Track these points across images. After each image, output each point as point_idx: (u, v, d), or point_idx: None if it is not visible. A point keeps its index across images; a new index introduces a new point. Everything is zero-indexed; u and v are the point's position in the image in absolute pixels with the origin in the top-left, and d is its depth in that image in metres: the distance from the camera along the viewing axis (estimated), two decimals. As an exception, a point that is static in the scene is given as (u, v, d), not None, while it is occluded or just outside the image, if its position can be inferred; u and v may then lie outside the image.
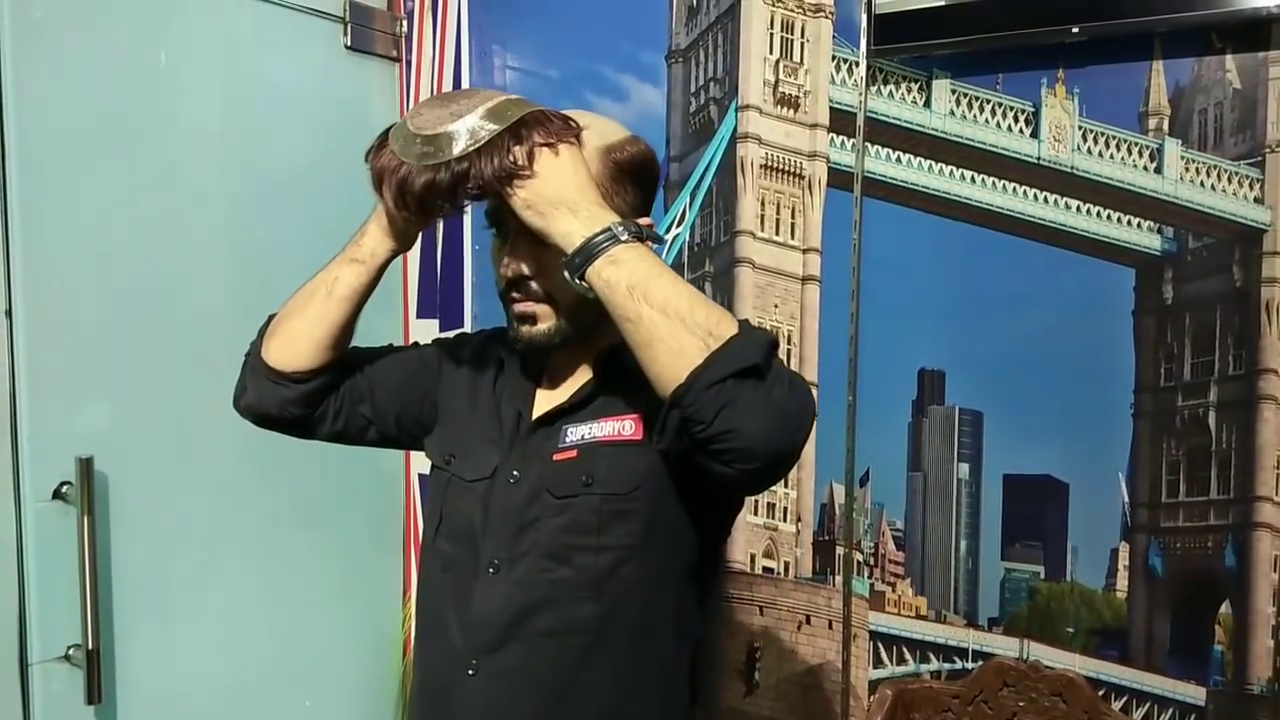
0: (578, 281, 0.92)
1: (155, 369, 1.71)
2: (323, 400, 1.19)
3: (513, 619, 1.05)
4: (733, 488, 1.01)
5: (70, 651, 1.59)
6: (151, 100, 1.70)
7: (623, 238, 0.90)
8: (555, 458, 1.06)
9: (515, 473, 1.08)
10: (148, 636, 1.71)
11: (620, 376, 1.07)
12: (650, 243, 0.95)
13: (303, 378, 1.16)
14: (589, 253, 0.90)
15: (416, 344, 1.31)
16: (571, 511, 1.04)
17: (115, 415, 1.66)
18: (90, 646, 1.57)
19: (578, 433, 1.07)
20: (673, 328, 0.87)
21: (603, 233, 0.91)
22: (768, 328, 1.76)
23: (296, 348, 1.15)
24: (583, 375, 1.10)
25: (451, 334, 1.34)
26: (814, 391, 1.78)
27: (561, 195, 0.93)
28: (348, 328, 1.17)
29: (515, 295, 1.05)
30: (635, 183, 1.06)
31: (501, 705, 1.05)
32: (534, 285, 1.04)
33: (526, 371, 1.14)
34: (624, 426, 1.05)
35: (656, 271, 0.90)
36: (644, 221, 1.02)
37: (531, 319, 1.05)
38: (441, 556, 1.13)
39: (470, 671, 1.06)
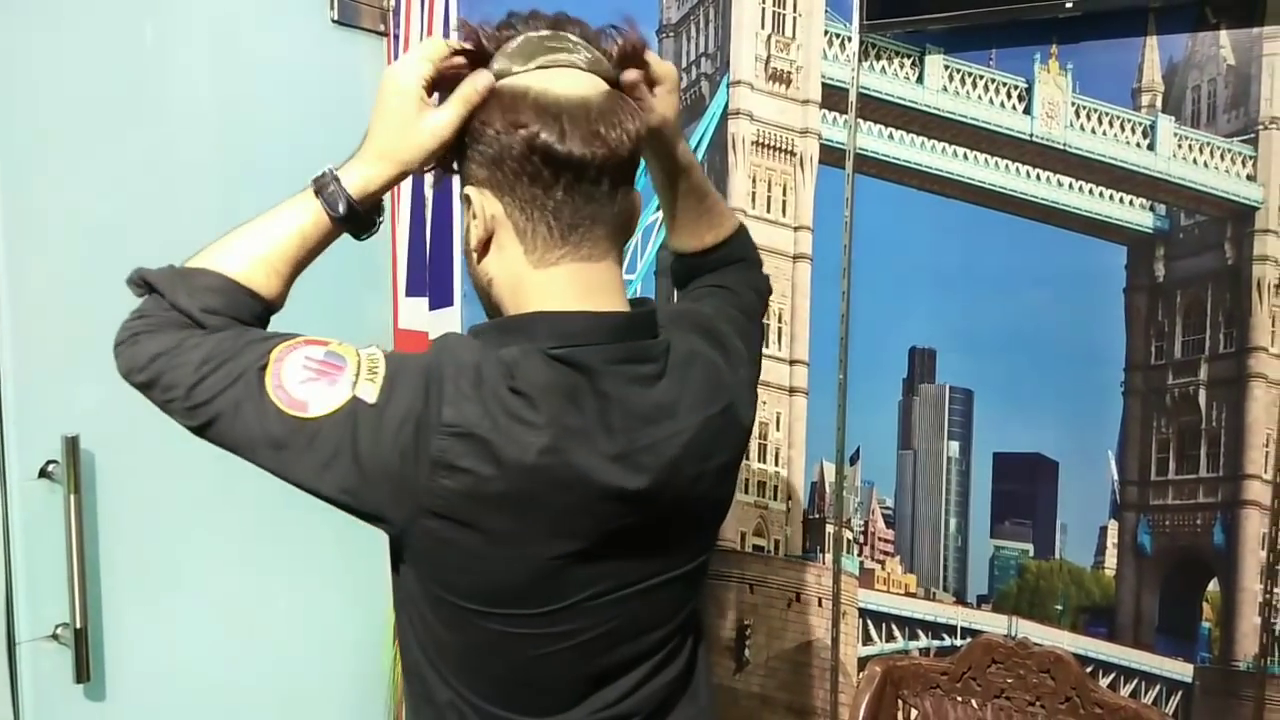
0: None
1: (141, 347, 1.69)
2: None
3: None
4: None
5: (58, 630, 1.58)
6: (138, 76, 1.68)
7: None
8: None
9: None
10: (136, 615, 1.70)
11: None
12: None
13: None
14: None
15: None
16: None
17: (102, 394, 1.63)
18: (78, 625, 1.57)
19: None
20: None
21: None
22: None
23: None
24: None
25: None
26: (805, 369, 1.78)
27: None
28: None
29: None
30: None
31: None
32: None
33: None
34: None
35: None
36: None
37: None
38: None
39: None
